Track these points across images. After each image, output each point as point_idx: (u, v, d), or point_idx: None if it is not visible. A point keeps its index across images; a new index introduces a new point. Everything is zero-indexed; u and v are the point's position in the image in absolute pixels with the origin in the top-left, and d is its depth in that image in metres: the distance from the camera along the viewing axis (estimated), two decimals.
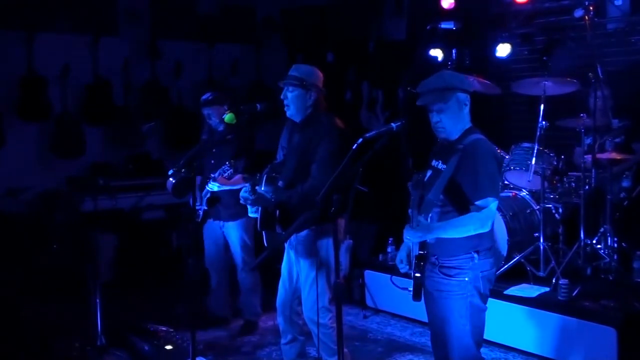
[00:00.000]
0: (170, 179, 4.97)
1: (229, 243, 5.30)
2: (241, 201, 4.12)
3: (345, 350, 3.96)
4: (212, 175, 4.99)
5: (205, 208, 5.20)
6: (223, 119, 5.00)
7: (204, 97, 5.24)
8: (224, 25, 8.51)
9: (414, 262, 3.24)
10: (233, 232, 5.23)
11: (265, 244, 4.25)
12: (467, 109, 3.28)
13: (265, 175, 4.09)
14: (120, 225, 6.97)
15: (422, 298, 3.28)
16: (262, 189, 4.04)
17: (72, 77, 7.31)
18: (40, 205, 6.96)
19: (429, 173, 3.35)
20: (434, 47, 6.71)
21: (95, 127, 7.56)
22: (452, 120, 3.24)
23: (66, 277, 6.08)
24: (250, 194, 4.01)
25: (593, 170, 5.20)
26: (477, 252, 3.19)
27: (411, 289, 3.22)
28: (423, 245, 3.21)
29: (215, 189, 5.03)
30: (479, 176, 3.13)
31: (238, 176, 4.92)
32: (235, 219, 5.20)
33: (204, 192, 5.17)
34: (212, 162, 5.14)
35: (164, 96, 7.97)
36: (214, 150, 5.16)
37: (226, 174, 4.77)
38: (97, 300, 4.69)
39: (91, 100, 7.49)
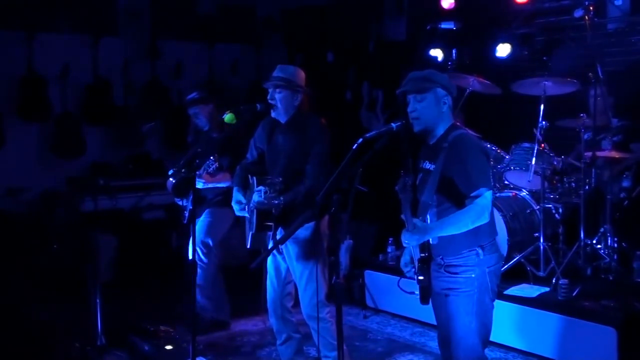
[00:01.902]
0: (171, 179, 4.98)
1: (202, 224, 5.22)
2: (252, 206, 4.06)
3: (345, 348, 3.96)
4: (197, 173, 4.96)
5: (191, 208, 5.18)
6: (208, 119, 5.02)
7: (190, 96, 5.22)
8: (224, 25, 8.51)
9: (416, 265, 3.24)
10: (202, 220, 5.19)
11: (249, 246, 4.22)
12: (446, 108, 3.26)
13: (255, 178, 4.08)
14: (120, 226, 6.97)
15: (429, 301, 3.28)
16: (256, 189, 4.01)
17: (72, 77, 7.31)
18: (40, 205, 6.96)
19: (419, 176, 3.34)
20: (434, 47, 6.72)
21: (95, 127, 7.56)
22: (428, 113, 3.23)
23: (66, 277, 6.07)
24: (271, 199, 3.89)
25: (593, 170, 5.20)
26: (482, 247, 3.18)
27: (417, 292, 3.22)
28: (424, 247, 3.20)
29: (200, 186, 5.00)
30: (469, 169, 3.12)
31: (221, 174, 4.92)
32: (207, 208, 5.19)
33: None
34: (197, 161, 5.12)
35: (164, 96, 7.97)
36: (198, 149, 5.15)
37: (211, 169, 4.75)
38: (97, 300, 4.69)
39: (91, 100, 7.49)
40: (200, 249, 5.18)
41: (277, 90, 4.02)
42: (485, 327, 3.27)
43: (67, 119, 7.30)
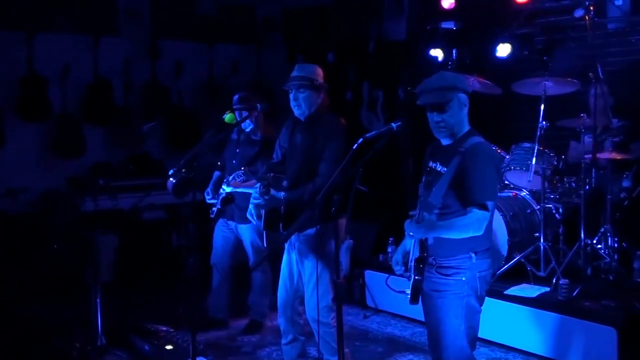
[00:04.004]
0: (171, 178, 4.97)
1: (243, 244, 5.31)
2: (252, 207, 4.09)
3: (346, 350, 3.95)
4: (227, 179, 5.01)
5: (219, 207, 5.21)
6: (252, 120, 5.01)
7: (237, 95, 5.15)
8: (224, 25, 8.51)
9: (413, 264, 3.23)
10: (246, 234, 5.23)
11: (265, 245, 4.25)
12: (466, 110, 3.27)
13: (271, 175, 4.08)
14: (120, 226, 6.97)
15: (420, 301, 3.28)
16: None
17: (73, 77, 7.31)
18: (40, 205, 6.96)
19: (426, 175, 3.35)
20: (434, 47, 6.72)
21: (96, 127, 7.56)
22: (454, 120, 3.23)
23: (66, 277, 6.08)
24: (261, 199, 3.96)
25: (593, 170, 5.20)
26: (475, 252, 3.19)
27: (408, 291, 3.21)
28: (423, 247, 3.20)
29: (229, 190, 5.03)
30: (479, 180, 3.12)
31: (253, 180, 4.95)
32: (248, 221, 5.19)
33: (219, 192, 5.18)
34: (234, 162, 5.14)
35: (164, 96, 7.97)
36: (237, 150, 5.16)
37: (239, 179, 4.79)
38: (97, 300, 4.69)
39: (91, 100, 7.49)
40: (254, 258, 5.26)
41: (300, 90, 4.00)
42: (472, 330, 3.28)
43: (67, 119, 7.30)
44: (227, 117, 4.23)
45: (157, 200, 7.11)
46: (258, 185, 4.00)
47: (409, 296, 3.21)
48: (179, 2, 8.28)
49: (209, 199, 5.30)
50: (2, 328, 5.21)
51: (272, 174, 3.96)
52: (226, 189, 5.04)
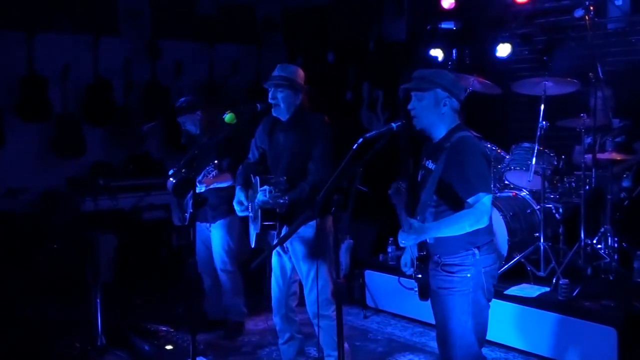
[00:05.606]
0: (171, 178, 4.97)
1: (211, 243, 5.24)
2: (257, 205, 4.06)
3: (346, 345, 3.95)
4: (197, 179, 4.95)
5: (191, 211, 5.16)
6: (197, 125, 5.04)
7: (177, 104, 5.22)
8: (224, 25, 8.51)
9: (415, 264, 3.28)
10: (217, 234, 5.17)
11: (254, 246, 4.21)
12: (447, 109, 3.26)
13: (258, 177, 4.08)
14: (120, 226, 6.97)
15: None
16: (260, 189, 4.01)
17: (73, 77, 7.31)
18: (40, 205, 6.96)
19: (421, 173, 3.37)
20: (434, 47, 6.73)
21: (96, 127, 7.56)
22: (426, 113, 3.25)
23: (66, 277, 6.07)
24: (276, 199, 3.89)
25: (593, 170, 5.21)
26: (478, 247, 3.20)
27: (417, 289, 3.28)
28: (422, 246, 3.24)
29: (202, 189, 4.99)
30: (468, 173, 3.12)
31: (222, 174, 4.92)
32: (217, 219, 5.17)
33: (188, 196, 5.11)
34: (195, 165, 5.10)
35: (164, 96, 7.96)
36: (196, 151, 5.13)
37: (210, 175, 4.77)
38: (97, 300, 4.70)
39: (91, 100, 7.49)
40: (224, 264, 5.19)
41: (279, 89, 4.03)
42: (481, 326, 3.29)
43: (67, 119, 7.30)
44: (227, 117, 4.22)
45: (157, 200, 7.10)
46: (268, 188, 3.95)
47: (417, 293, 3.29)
48: (179, 2, 8.28)
49: (177, 222, 5.23)
50: (2, 328, 5.22)
51: (284, 178, 3.95)
52: (200, 188, 4.93)
